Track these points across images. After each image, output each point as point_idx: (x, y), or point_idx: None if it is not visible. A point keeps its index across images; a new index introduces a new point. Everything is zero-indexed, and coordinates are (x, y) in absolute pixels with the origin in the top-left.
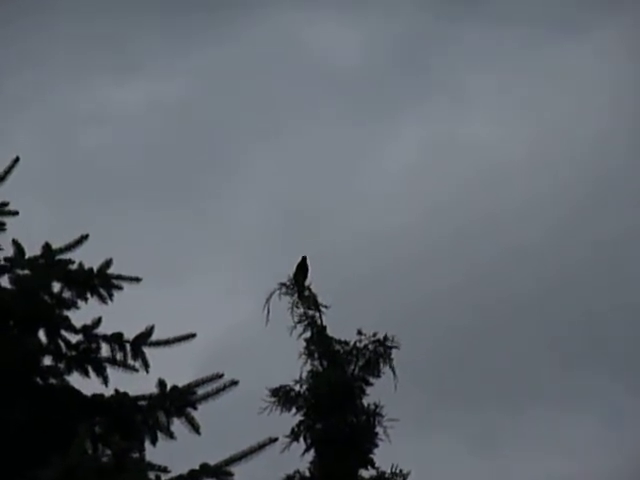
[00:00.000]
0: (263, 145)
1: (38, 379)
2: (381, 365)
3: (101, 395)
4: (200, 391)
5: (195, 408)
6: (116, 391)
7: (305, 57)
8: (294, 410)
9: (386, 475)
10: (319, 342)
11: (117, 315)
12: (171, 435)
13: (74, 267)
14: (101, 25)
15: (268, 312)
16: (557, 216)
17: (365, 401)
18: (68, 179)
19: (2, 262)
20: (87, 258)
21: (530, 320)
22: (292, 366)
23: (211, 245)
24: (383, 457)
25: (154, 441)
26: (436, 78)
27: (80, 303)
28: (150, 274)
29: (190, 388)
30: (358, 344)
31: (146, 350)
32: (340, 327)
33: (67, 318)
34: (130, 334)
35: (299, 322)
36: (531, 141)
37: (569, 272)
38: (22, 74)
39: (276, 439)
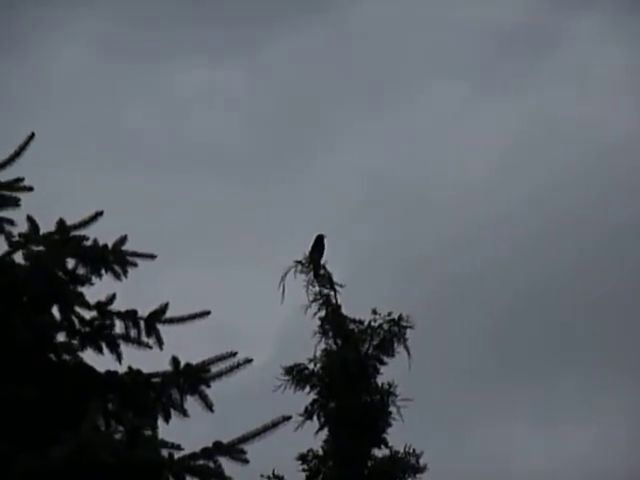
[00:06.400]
0: (360, 116)
1: (52, 355)
2: (395, 344)
3: (114, 372)
4: (214, 369)
5: (208, 386)
6: (129, 368)
7: (411, 35)
8: (308, 389)
9: (399, 454)
10: (333, 321)
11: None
12: (184, 413)
13: (88, 243)
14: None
15: (283, 290)
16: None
17: (379, 380)
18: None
19: (16, 238)
20: (172, 225)
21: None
22: None
23: (298, 217)
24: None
25: (167, 418)
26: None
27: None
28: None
29: (204, 366)
30: (373, 323)
31: (160, 327)
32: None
33: (81, 294)
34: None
35: (314, 301)
36: None
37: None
38: (136, 55)
39: (290, 417)
